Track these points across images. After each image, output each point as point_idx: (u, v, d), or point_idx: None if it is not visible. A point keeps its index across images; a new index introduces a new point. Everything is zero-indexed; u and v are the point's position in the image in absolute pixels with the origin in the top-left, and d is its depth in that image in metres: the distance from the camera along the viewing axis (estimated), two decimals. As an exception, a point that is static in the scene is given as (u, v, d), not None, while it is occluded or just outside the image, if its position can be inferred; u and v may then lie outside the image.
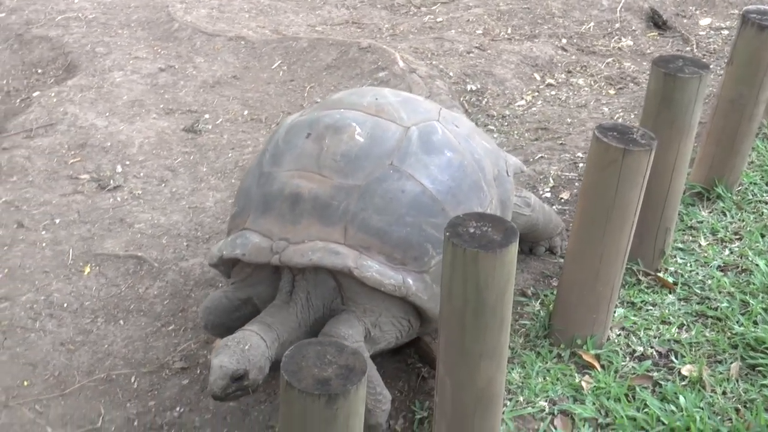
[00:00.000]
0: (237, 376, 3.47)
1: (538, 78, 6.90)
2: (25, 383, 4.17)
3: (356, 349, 2.78)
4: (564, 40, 7.43)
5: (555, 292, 4.28)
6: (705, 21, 7.78)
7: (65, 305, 4.60)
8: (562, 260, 4.61)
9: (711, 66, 4.48)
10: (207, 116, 6.41)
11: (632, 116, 6.18)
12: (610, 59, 7.16)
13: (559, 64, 7.07)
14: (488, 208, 3.94)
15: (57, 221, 5.22)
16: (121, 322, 4.52)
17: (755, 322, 4.25)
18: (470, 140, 4.11)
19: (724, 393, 3.88)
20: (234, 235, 3.90)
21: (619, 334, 4.18)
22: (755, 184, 5.27)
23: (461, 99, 6.53)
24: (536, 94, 6.70)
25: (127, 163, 5.79)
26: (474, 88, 6.70)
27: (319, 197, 3.72)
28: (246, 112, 6.49)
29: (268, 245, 3.74)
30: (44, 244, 5.03)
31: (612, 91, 6.70)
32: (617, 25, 7.69)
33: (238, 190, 4.12)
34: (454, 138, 4.01)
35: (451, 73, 6.82)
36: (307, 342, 2.81)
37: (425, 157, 3.84)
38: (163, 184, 5.61)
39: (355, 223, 3.68)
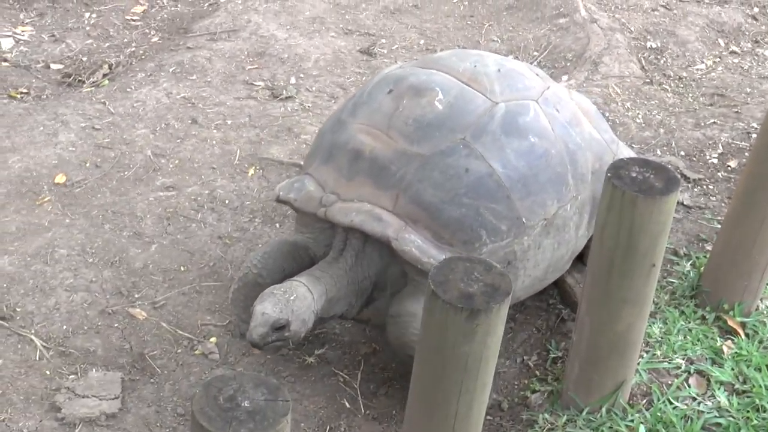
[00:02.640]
0: (278, 325, 3.43)
1: (722, 44, 6.70)
2: (182, 268, 4.38)
3: (503, 270, 2.82)
4: (756, 9, 7.17)
5: (708, 256, 4.22)
6: None
7: (227, 201, 4.79)
8: (719, 226, 4.53)
9: None
10: (383, 41, 6.49)
11: (816, 94, 5.96)
12: (802, 34, 6.90)
13: (747, 33, 6.84)
14: (568, 205, 3.74)
15: (229, 122, 5.41)
16: (278, 225, 4.68)
17: None
18: (570, 128, 3.84)
19: None
20: (296, 178, 3.87)
21: (770, 307, 4.11)
22: None
23: (639, 55, 6.42)
24: (718, 59, 6.51)
25: (302, 76, 5.93)
26: (654, 45, 6.56)
27: (378, 159, 3.61)
28: (422, 42, 6.53)
29: (319, 196, 3.68)
30: (214, 142, 5.23)
31: (799, 67, 6.47)
32: (815, 0, 7.39)
33: (319, 130, 4.05)
34: (548, 123, 3.75)
35: (632, 28, 6.69)
36: (457, 257, 2.87)
37: (504, 138, 3.63)
38: (333, 101, 5.72)
39: (408, 193, 3.56)
